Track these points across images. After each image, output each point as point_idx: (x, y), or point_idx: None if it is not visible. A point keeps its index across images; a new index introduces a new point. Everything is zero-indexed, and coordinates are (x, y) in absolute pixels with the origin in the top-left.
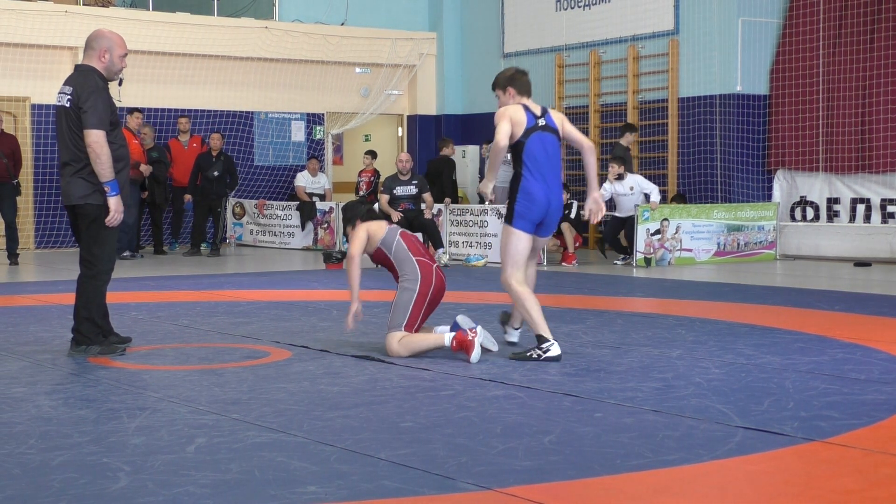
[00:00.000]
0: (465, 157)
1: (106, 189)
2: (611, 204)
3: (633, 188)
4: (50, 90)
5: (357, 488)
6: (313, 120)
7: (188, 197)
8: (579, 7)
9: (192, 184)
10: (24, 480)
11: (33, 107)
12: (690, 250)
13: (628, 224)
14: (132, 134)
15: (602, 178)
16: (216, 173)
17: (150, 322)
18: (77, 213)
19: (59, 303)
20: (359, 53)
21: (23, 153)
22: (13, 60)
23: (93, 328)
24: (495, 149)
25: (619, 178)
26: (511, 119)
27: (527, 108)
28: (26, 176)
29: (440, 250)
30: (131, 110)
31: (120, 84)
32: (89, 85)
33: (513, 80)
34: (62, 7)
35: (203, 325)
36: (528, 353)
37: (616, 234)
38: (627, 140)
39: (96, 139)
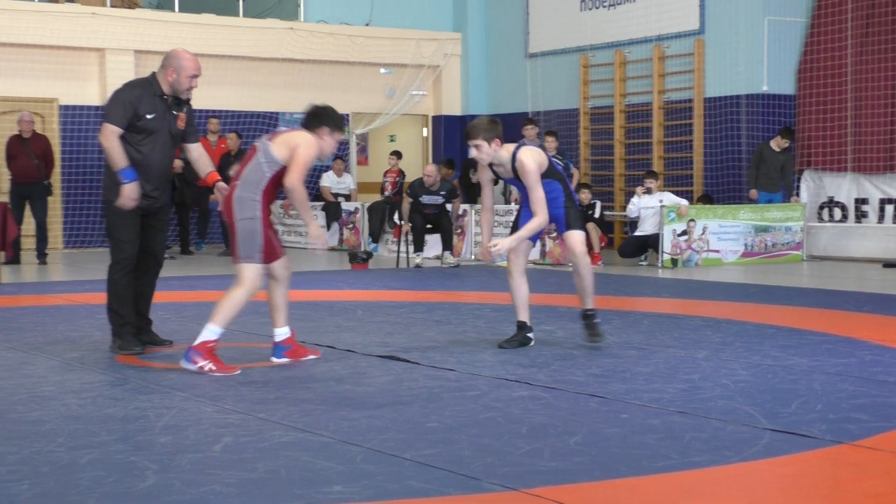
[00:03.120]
0: None
1: (120, 178)
2: (622, 220)
3: (662, 201)
4: (77, 92)
5: (383, 488)
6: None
7: (214, 197)
8: (604, 7)
9: None
10: (52, 478)
11: (61, 108)
12: (717, 251)
13: (651, 241)
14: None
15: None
16: (232, 173)
17: (176, 322)
18: None
19: (87, 302)
20: (383, 54)
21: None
22: (41, 62)
23: (116, 318)
24: (540, 224)
25: (648, 192)
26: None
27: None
28: (53, 177)
29: (447, 252)
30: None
31: (188, 102)
32: (122, 87)
33: (498, 129)
34: (89, 9)
35: (229, 324)
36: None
37: (635, 254)
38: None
39: (101, 131)
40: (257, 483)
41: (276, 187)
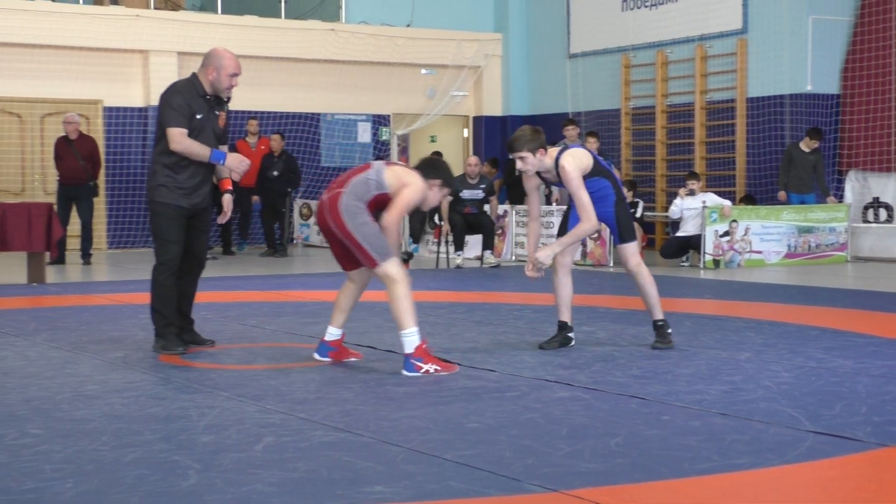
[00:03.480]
0: None
1: (216, 163)
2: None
3: (705, 202)
4: (121, 93)
5: (423, 489)
6: (379, 121)
7: (256, 198)
8: (646, 7)
9: (259, 185)
10: (97, 477)
11: (105, 109)
12: (760, 252)
13: (693, 241)
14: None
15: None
16: (276, 173)
17: (218, 322)
18: None
19: (131, 302)
20: (424, 54)
21: None
22: (86, 64)
23: (159, 319)
24: (586, 230)
25: (691, 193)
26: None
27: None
28: (98, 178)
29: (488, 252)
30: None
31: (228, 102)
32: (169, 92)
33: (541, 138)
34: (133, 11)
35: (270, 325)
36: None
37: (677, 254)
38: None
39: (170, 140)
40: (298, 483)
41: (373, 208)
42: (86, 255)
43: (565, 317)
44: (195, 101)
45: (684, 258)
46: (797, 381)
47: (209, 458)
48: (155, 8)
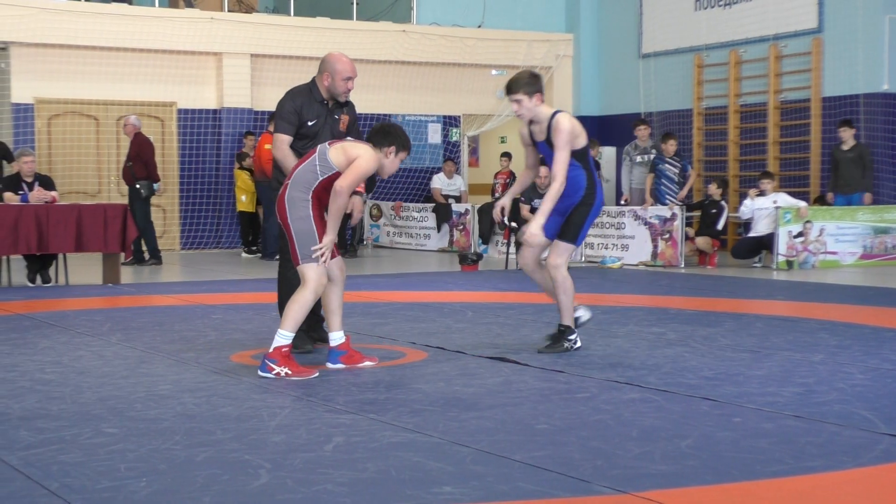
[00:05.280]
0: (601, 159)
1: None
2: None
3: (776, 202)
4: (196, 95)
5: (492, 489)
6: (450, 122)
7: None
8: (719, 6)
9: None
10: (170, 476)
11: (179, 111)
12: (835, 253)
13: (766, 241)
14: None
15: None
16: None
17: None
18: None
19: (203, 303)
20: (495, 55)
21: (169, 157)
22: (161, 66)
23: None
24: (557, 190)
25: (762, 194)
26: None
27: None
28: (172, 179)
29: None
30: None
31: (351, 104)
32: (285, 98)
33: (539, 83)
34: (208, 14)
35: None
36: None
37: (749, 255)
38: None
39: (273, 143)
40: (368, 483)
41: (326, 191)
42: (138, 257)
43: (567, 320)
44: (310, 106)
45: (757, 259)
46: (872, 384)
47: (280, 457)
48: (228, 10)
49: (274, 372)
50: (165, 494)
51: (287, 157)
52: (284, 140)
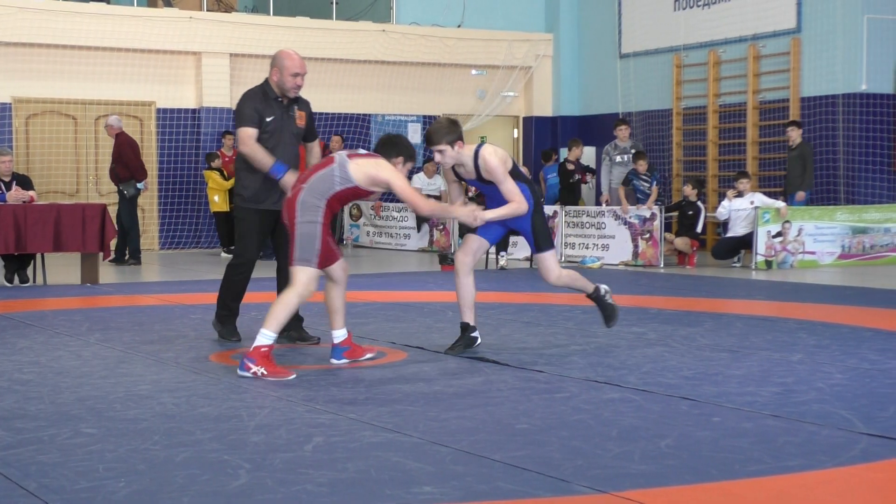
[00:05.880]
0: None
1: (273, 176)
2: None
3: (754, 202)
4: (174, 95)
5: (472, 489)
6: (430, 122)
7: None
8: (698, 6)
9: None
10: (149, 476)
11: (158, 111)
12: (813, 253)
13: (745, 241)
14: None
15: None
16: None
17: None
18: None
19: (182, 303)
20: (475, 55)
21: (148, 156)
22: (139, 66)
23: (224, 307)
24: (516, 210)
25: (739, 195)
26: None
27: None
28: (151, 179)
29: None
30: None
31: (296, 102)
32: (242, 98)
33: (459, 130)
34: (186, 13)
35: (321, 325)
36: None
37: (728, 255)
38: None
39: (238, 140)
40: (348, 483)
41: (339, 201)
42: (120, 255)
43: (468, 318)
44: (266, 105)
45: (736, 259)
46: (850, 383)
47: (259, 457)
48: (207, 10)
49: (251, 371)
50: (144, 495)
51: (257, 152)
52: (251, 134)
